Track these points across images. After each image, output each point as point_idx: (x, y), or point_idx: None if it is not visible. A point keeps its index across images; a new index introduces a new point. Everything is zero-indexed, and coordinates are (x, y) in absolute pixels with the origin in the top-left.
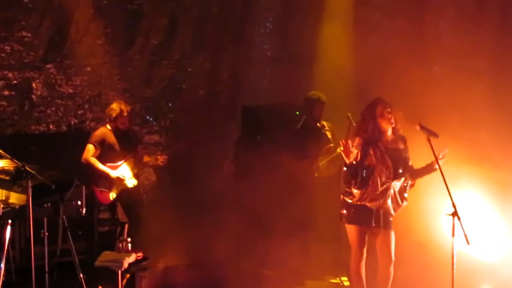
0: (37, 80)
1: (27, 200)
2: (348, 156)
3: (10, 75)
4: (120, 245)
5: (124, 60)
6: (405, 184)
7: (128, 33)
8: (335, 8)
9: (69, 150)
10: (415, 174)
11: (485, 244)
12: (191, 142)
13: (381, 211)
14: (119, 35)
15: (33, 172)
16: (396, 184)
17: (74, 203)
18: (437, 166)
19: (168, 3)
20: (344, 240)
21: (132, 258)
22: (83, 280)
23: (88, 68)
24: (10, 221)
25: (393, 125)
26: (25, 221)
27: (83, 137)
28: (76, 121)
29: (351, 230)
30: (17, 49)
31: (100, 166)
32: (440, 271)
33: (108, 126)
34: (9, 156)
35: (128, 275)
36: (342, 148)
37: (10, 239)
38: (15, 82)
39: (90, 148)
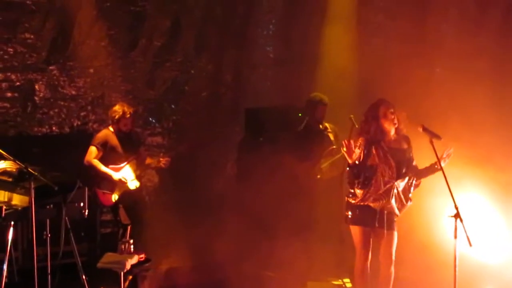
0: (40, 82)
1: (30, 202)
2: (350, 156)
3: (13, 76)
4: (123, 246)
5: (127, 62)
6: (409, 184)
7: (131, 35)
8: (338, 10)
9: (71, 152)
10: (420, 174)
11: (487, 246)
12: (194, 144)
13: (385, 212)
14: (122, 37)
15: (36, 173)
16: (400, 184)
17: (76, 204)
18: (440, 167)
19: (171, 5)
20: (347, 241)
21: (134, 259)
22: (85, 282)
23: (91, 70)
24: (12, 223)
25: (396, 125)
26: (27, 223)
27: (86, 139)
28: (79, 123)
29: (355, 231)
30: (20, 51)
31: (103, 168)
32: (443, 273)
33: (111, 128)
34: (12, 158)
35: (130, 277)
36: (344, 149)
37: (13, 240)
38: (18, 83)
39: (92, 150)
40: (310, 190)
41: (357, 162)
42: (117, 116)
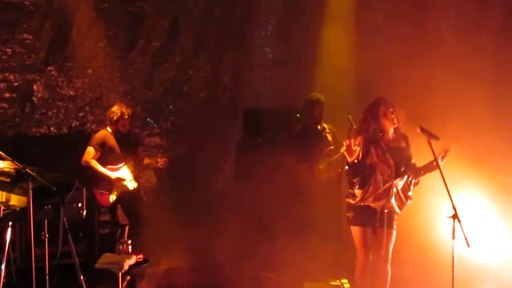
0: (38, 82)
1: (28, 202)
2: (351, 155)
3: (11, 77)
4: (121, 247)
5: (125, 63)
6: (408, 183)
7: (129, 36)
8: (337, 11)
9: (70, 152)
10: (418, 172)
11: (486, 247)
12: (192, 144)
13: (386, 211)
14: (121, 38)
15: (34, 174)
16: (399, 183)
17: (74, 205)
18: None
19: (170, 6)
20: (346, 242)
21: (132, 260)
22: (83, 282)
23: (90, 71)
24: (10, 223)
25: (396, 125)
26: (25, 223)
27: (84, 140)
28: (77, 124)
29: (356, 231)
30: (18, 51)
31: (100, 168)
32: (441, 274)
33: (109, 129)
34: (10, 158)
35: (128, 277)
36: (344, 148)
37: (11, 241)
38: (16, 84)
39: (90, 150)
40: (308, 191)
41: (355, 161)
42: (115, 117)
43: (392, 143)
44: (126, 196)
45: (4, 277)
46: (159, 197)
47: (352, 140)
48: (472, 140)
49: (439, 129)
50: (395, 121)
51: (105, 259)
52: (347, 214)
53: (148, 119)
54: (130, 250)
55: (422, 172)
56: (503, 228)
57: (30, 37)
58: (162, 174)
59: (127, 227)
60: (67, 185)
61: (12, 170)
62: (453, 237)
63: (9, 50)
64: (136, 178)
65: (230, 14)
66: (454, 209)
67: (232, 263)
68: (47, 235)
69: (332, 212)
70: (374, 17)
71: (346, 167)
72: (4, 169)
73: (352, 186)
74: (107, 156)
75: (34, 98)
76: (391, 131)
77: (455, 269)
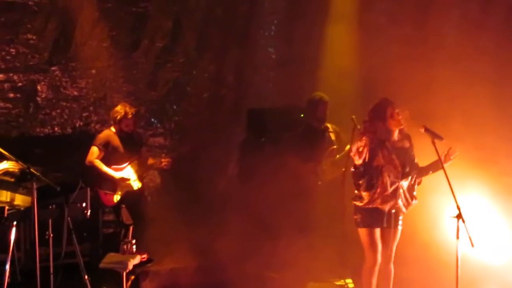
0: (42, 83)
1: (32, 202)
2: (360, 157)
3: (15, 77)
4: (125, 247)
5: (129, 63)
6: (412, 183)
7: (133, 36)
8: (340, 11)
9: (74, 152)
10: (421, 172)
11: (490, 247)
12: (196, 144)
13: (393, 211)
14: (124, 38)
15: (38, 174)
16: (404, 184)
17: (79, 205)
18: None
19: (173, 6)
20: (349, 241)
21: (136, 260)
22: (88, 282)
23: (93, 71)
24: (15, 223)
25: (402, 126)
26: (30, 223)
27: (88, 140)
28: (81, 124)
29: (363, 234)
30: (22, 52)
31: (104, 168)
32: (445, 273)
33: (113, 129)
34: (14, 158)
35: (132, 277)
36: (353, 154)
37: (15, 240)
38: (20, 84)
39: (94, 150)
40: (312, 191)
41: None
42: (119, 117)
43: (397, 143)
44: (130, 196)
45: (8, 276)
46: (163, 197)
47: (359, 143)
48: (475, 140)
49: (442, 130)
50: (402, 122)
51: (110, 259)
52: (354, 217)
53: (152, 119)
54: (134, 249)
55: (426, 172)
56: (507, 228)
57: (34, 37)
58: (166, 174)
59: (131, 227)
60: (71, 185)
61: (17, 170)
62: (457, 237)
63: (13, 50)
64: (140, 178)
65: (233, 14)
66: (458, 209)
67: (235, 263)
68: (51, 235)
69: (335, 211)
70: (377, 18)
71: (352, 169)
72: (9, 169)
73: (358, 188)
74: (111, 156)
75: (38, 98)
76: (396, 132)
77: (459, 269)
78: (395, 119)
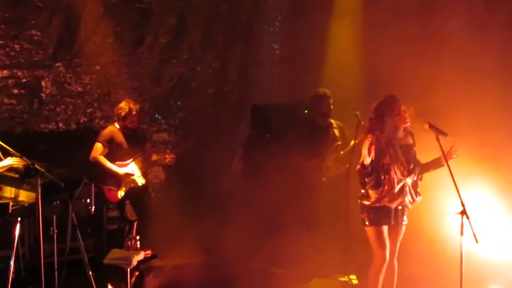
0: (47, 79)
1: (37, 198)
2: (369, 155)
3: (19, 73)
4: (129, 243)
5: (133, 59)
6: (415, 179)
7: (137, 32)
8: (344, 7)
9: (78, 148)
10: (423, 168)
11: (494, 243)
12: (200, 141)
13: (399, 208)
14: (128, 34)
15: (42, 170)
16: (408, 181)
17: (83, 201)
18: (445, 163)
19: (177, 2)
20: (354, 238)
21: (141, 256)
22: (92, 278)
23: (97, 67)
24: (19, 219)
25: (408, 123)
26: (34, 219)
27: (92, 136)
28: (85, 120)
29: (371, 232)
30: (26, 48)
31: (108, 164)
32: (449, 270)
33: (117, 125)
34: (18, 154)
35: (137, 273)
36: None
37: (20, 236)
38: (24, 80)
39: (98, 146)
40: (316, 187)
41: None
42: (123, 114)
43: (402, 140)
44: (134, 192)
45: (13, 272)
46: (167, 193)
47: (367, 141)
48: (480, 137)
49: (446, 126)
50: (408, 119)
51: (114, 255)
52: (361, 215)
53: (156, 115)
54: (138, 245)
55: (428, 168)
56: (511, 224)
57: (38, 33)
58: (170, 170)
59: (135, 223)
60: (75, 181)
61: (21, 166)
62: (462, 233)
63: (17, 46)
64: (144, 174)
65: (237, 10)
66: (463, 205)
67: (240, 259)
68: (55, 231)
69: (340, 208)
70: (382, 14)
71: (358, 167)
72: (13, 165)
73: (364, 186)
74: (115, 152)
75: (42, 94)
76: (402, 129)
77: (463, 265)
78: (402, 116)
